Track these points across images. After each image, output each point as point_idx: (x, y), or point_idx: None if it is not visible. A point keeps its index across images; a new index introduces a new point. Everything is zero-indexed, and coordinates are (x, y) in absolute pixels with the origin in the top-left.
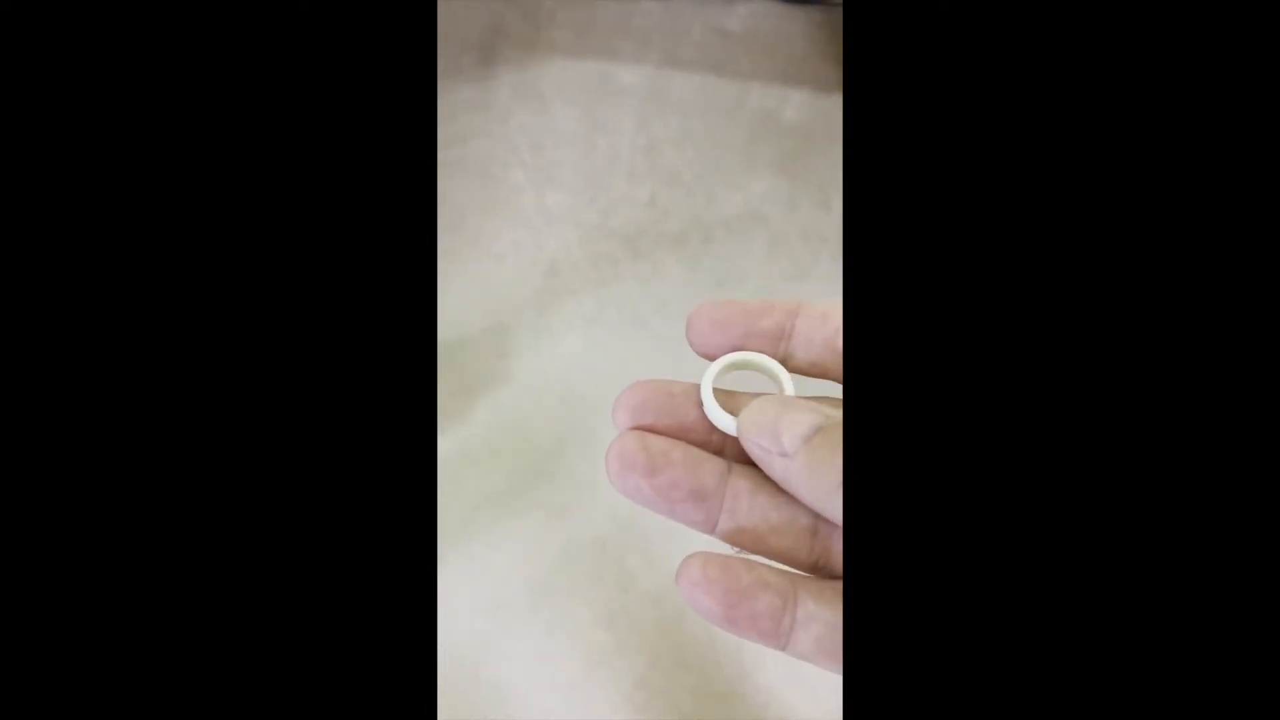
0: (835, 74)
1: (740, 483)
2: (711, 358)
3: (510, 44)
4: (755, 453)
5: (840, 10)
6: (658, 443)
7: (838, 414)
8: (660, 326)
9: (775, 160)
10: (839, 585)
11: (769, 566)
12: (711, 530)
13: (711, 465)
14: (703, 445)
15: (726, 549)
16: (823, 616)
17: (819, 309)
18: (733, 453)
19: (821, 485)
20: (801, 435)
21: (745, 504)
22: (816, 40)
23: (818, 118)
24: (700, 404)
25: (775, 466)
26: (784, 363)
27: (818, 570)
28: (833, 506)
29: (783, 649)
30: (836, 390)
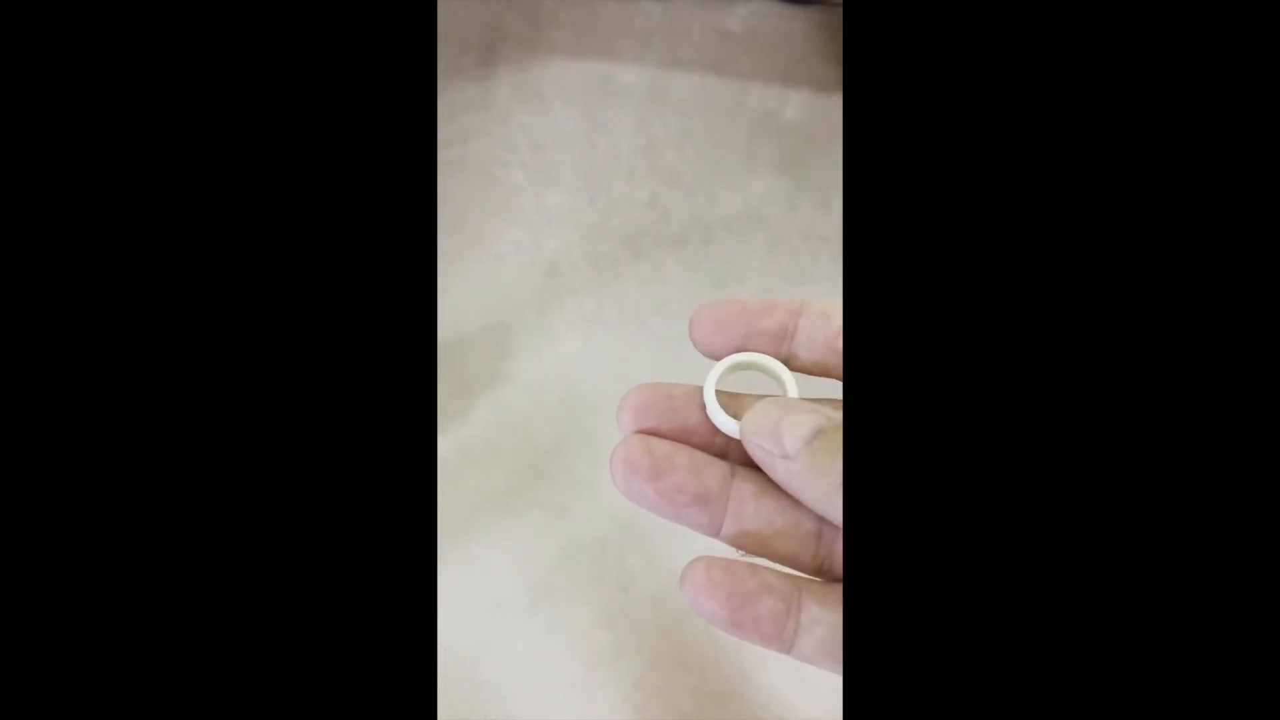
0: (835, 74)
1: (744, 486)
2: (715, 357)
3: (510, 44)
4: (758, 455)
5: (840, 10)
6: (662, 447)
7: (839, 415)
8: (660, 327)
9: (775, 160)
10: (842, 588)
11: (773, 570)
12: (716, 534)
13: (715, 469)
14: (706, 448)
15: (730, 552)
16: (826, 620)
17: (821, 308)
18: (737, 455)
19: (823, 487)
20: (803, 437)
21: (750, 507)
22: (816, 40)
23: (818, 118)
24: (703, 407)
25: (777, 469)
26: (787, 363)
27: (822, 574)
28: (834, 508)
29: (787, 652)
30: (839, 390)
